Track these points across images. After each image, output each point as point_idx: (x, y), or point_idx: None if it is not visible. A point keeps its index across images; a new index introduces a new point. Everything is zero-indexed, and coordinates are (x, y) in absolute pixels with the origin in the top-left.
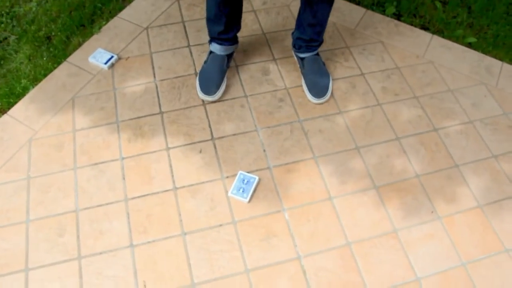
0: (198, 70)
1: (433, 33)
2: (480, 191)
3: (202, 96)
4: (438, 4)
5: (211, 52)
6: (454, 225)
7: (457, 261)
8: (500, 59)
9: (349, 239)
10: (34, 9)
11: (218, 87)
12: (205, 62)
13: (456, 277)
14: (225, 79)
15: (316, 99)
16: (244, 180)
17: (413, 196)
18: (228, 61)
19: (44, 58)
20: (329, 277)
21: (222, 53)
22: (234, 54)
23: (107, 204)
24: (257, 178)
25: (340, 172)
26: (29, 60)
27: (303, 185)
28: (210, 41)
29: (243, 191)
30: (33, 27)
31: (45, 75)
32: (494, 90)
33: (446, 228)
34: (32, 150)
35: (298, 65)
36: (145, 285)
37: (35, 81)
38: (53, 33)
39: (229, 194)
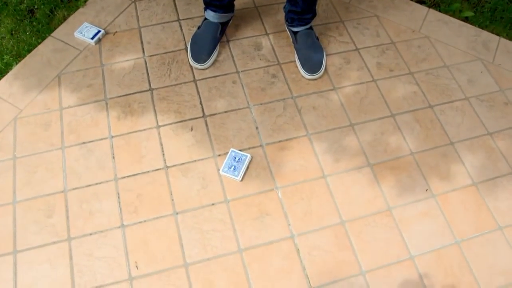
0: (188, 44)
1: (429, 6)
2: (475, 168)
3: (192, 63)
4: None
5: (205, 19)
6: (449, 203)
7: (451, 239)
8: (497, 34)
9: (343, 217)
10: None
11: (209, 55)
12: (198, 27)
13: (449, 255)
14: (217, 48)
15: (310, 75)
16: (235, 158)
17: (407, 174)
18: (222, 30)
19: (27, 33)
20: (322, 255)
21: (216, 21)
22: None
23: (96, 184)
24: (249, 156)
25: (334, 149)
26: (11, 35)
27: (296, 163)
28: (205, 8)
29: (234, 169)
30: (14, 0)
31: (29, 51)
32: (490, 66)
33: (441, 206)
34: (18, 129)
35: (291, 40)
36: (136, 266)
37: (19, 57)
38: (35, 6)
39: (220, 172)
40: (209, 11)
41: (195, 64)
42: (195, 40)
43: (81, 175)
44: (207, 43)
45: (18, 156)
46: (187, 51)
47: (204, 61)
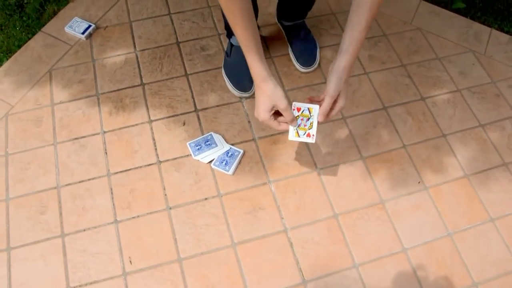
0: (223, 74)
1: None
2: (467, 160)
3: (238, 94)
4: None
5: (232, 45)
6: (441, 195)
7: (443, 231)
8: (489, 26)
9: (336, 210)
10: None
11: (251, 81)
12: (227, 55)
13: (442, 247)
14: None
15: (305, 67)
16: (228, 152)
17: (400, 166)
18: None
19: (17, 28)
20: (316, 249)
21: None
22: None
23: (89, 179)
24: (242, 151)
25: (327, 142)
26: (1, 30)
27: (288, 156)
28: (229, 35)
29: (225, 164)
30: None
31: (19, 46)
32: (482, 57)
33: (433, 199)
34: (9, 125)
35: (283, 33)
36: (130, 261)
37: (9, 52)
38: (25, 1)
39: (212, 165)
40: (234, 37)
41: (241, 94)
42: (232, 70)
43: (74, 171)
44: (245, 69)
45: (10, 153)
46: (223, 76)
47: (250, 88)
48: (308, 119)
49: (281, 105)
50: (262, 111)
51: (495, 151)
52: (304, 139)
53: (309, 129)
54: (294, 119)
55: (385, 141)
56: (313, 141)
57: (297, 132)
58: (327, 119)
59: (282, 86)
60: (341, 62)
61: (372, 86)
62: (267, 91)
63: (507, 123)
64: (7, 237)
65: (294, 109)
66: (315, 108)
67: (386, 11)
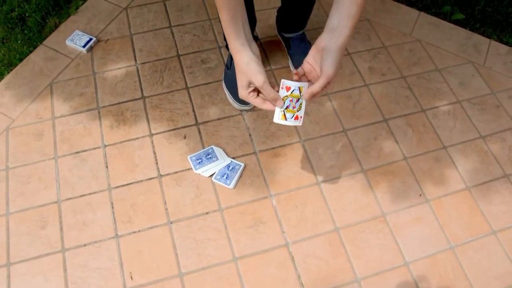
0: (224, 87)
1: (420, 9)
2: (468, 172)
3: (238, 106)
4: None
5: (232, 57)
6: (442, 207)
7: (445, 244)
8: (488, 37)
9: (337, 224)
10: None
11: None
12: (227, 67)
13: (444, 260)
14: None
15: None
16: (229, 166)
17: (401, 179)
18: None
19: (19, 41)
20: (317, 263)
21: None
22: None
23: (90, 194)
24: (243, 164)
25: (327, 155)
26: (3, 43)
27: (290, 169)
28: (229, 47)
29: (226, 178)
30: (5, 7)
31: (20, 60)
32: (481, 68)
33: (434, 211)
34: (10, 139)
35: (283, 45)
36: (131, 276)
37: (10, 66)
38: (27, 14)
39: (213, 179)
40: None
41: (241, 107)
42: (232, 82)
43: (75, 185)
44: None
45: (11, 167)
46: (224, 89)
47: None
48: (298, 99)
49: (257, 81)
50: (239, 88)
51: (496, 162)
52: (291, 122)
53: (297, 111)
54: (278, 98)
55: (386, 154)
56: (300, 124)
57: (284, 114)
58: (311, 100)
59: None
60: (339, 39)
61: (373, 98)
62: (240, 65)
63: (508, 134)
64: (7, 252)
65: (282, 88)
66: (305, 86)
67: (386, 23)
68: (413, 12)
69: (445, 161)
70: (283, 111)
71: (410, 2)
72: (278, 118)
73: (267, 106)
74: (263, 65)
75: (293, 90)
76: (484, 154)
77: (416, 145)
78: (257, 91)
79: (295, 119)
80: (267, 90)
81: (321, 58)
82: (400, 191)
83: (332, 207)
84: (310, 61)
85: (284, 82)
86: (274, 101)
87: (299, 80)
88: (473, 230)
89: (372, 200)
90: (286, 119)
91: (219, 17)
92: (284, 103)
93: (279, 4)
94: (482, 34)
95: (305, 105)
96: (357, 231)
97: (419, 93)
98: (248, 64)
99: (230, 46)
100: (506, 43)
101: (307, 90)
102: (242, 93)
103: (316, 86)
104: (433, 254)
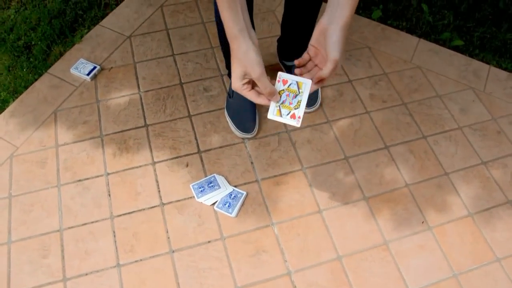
0: (226, 115)
1: (420, 36)
2: (470, 199)
3: (241, 135)
4: (425, 7)
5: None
6: (445, 235)
7: (449, 272)
8: (487, 63)
9: (339, 252)
10: (12, 16)
11: (254, 120)
12: (229, 96)
13: None
14: (256, 109)
15: (307, 108)
16: (231, 194)
17: (403, 206)
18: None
19: (24, 69)
20: None
21: None
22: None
23: (92, 222)
24: (245, 193)
25: (329, 183)
26: (9, 71)
27: (292, 198)
28: (231, 75)
29: (228, 206)
30: (11, 36)
31: (25, 87)
32: (482, 94)
33: (437, 239)
34: (14, 167)
35: None
36: None
37: (15, 93)
38: (33, 42)
39: (215, 208)
40: None
41: (243, 135)
42: (234, 111)
43: (77, 213)
44: (247, 110)
45: (14, 195)
46: (226, 117)
47: (253, 129)
48: (296, 96)
49: (254, 72)
50: (233, 78)
51: (498, 188)
52: (287, 120)
53: (295, 108)
54: (274, 92)
55: (388, 181)
56: (298, 125)
57: (280, 110)
58: (319, 85)
59: (285, 127)
60: (341, 19)
61: (374, 125)
62: (237, 53)
63: (509, 160)
64: (7, 281)
65: (279, 81)
66: (306, 83)
67: (386, 50)
68: (413, 39)
69: (447, 188)
70: (279, 106)
71: (409, 29)
72: (272, 114)
73: (261, 100)
74: (261, 55)
75: (290, 84)
76: (486, 180)
77: (418, 172)
78: (252, 83)
79: (291, 117)
80: (264, 83)
81: (324, 40)
82: (402, 219)
83: (334, 235)
84: (315, 43)
85: (281, 75)
86: (270, 95)
87: (301, 75)
88: (476, 258)
89: (375, 228)
90: (281, 115)
91: (219, 41)
92: (280, 97)
93: (279, 32)
94: (482, 60)
95: (308, 133)
96: (359, 259)
97: (420, 119)
98: (245, 53)
99: (227, 32)
100: (505, 69)
101: (316, 75)
102: (236, 84)
103: (325, 72)
104: (437, 282)
